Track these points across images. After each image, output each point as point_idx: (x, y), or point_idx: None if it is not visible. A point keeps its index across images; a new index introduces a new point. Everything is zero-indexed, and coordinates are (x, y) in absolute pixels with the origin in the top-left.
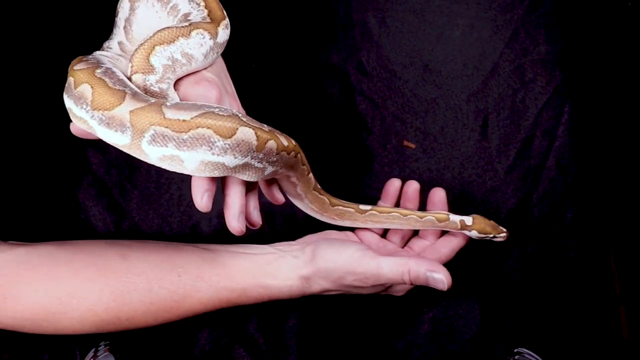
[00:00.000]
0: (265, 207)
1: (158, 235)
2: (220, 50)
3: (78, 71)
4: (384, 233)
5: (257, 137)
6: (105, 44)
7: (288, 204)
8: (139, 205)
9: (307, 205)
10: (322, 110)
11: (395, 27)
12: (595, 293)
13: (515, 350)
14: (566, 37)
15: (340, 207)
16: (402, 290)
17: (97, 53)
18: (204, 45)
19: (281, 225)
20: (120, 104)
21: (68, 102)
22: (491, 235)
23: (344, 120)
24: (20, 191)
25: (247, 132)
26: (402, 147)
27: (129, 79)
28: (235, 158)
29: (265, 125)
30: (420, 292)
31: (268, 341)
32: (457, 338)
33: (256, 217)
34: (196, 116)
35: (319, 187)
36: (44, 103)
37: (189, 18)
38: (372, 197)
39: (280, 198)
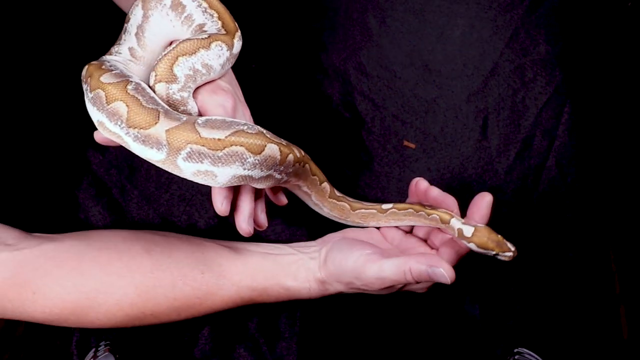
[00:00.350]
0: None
1: None
2: (234, 61)
3: (109, 85)
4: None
5: (280, 152)
6: (114, 49)
7: (289, 204)
8: (139, 205)
9: (328, 213)
10: (322, 110)
11: (395, 27)
12: (595, 293)
13: (515, 350)
14: (566, 37)
15: (363, 210)
16: (420, 287)
17: (109, 58)
18: (221, 56)
19: (281, 226)
20: (155, 123)
21: (97, 115)
22: (493, 253)
23: (344, 120)
24: (21, 191)
25: (274, 148)
26: (402, 147)
27: (152, 87)
28: (262, 171)
29: (282, 140)
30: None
31: (268, 341)
32: (457, 338)
33: (263, 220)
34: (229, 135)
35: (337, 194)
36: (44, 103)
37: (204, 29)
38: (372, 197)
39: (283, 200)
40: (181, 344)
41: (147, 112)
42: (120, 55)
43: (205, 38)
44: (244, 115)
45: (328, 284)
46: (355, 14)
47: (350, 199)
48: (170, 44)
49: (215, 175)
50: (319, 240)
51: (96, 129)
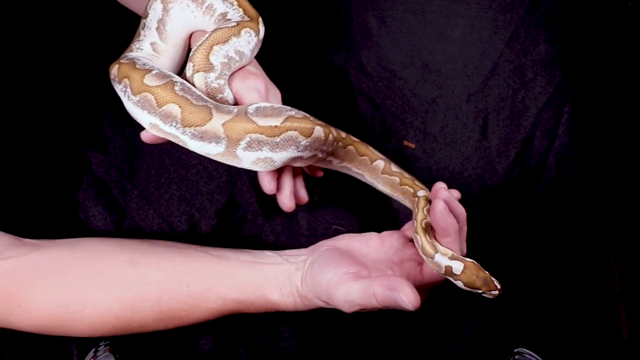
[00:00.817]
0: (264, 208)
1: (158, 235)
2: (260, 46)
3: (156, 88)
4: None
5: (324, 133)
6: (134, 45)
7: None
8: (139, 205)
9: (383, 190)
10: (322, 110)
11: (395, 27)
12: (595, 293)
13: (515, 350)
14: (566, 37)
15: (407, 187)
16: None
17: (136, 55)
18: (250, 42)
19: (280, 225)
20: (210, 119)
21: (149, 118)
22: (480, 291)
23: (344, 120)
24: (21, 191)
25: (319, 130)
26: (402, 147)
27: (190, 77)
28: (310, 152)
29: (321, 121)
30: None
31: (268, 342)
32: (457, 338)
33: (303, 194)
34: (283, 121)
35: (393, 169)
36: (44, 103)
37: (227, 17)
38: (372, 197)
39: (319, 173)
40: (182, 344)
41: (200, 109)
42: (142, 51)
43: (235, 26)
44: (276, 97)
45: (308, 299)
46: (355, 14)
47: (406, 174)
48: (191, 35)
49: (273, 160)
50: (310, 248)
51: (142, 129)
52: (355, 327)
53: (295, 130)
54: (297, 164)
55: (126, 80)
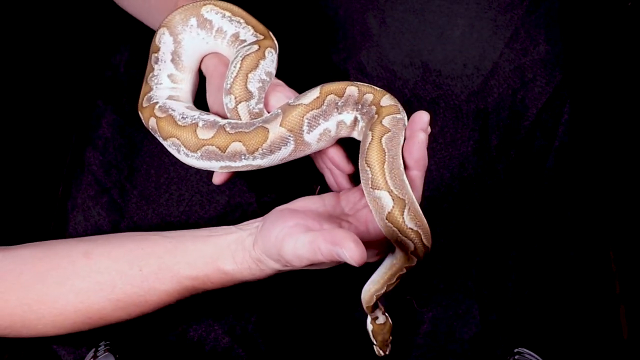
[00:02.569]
0: (264, 208)
1: None
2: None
3: (212, 139)
4: None
5: (359, 91)
6: (152, 81)
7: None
8: (138, 205)
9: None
10: None
11: (395, 27)
12: (595, 293)
13: (515, 350)
14: (566, 37)
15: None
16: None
17: (158, 93)
18: (274, 60)
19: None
20: (268, 132)
21: (219, 164)
22: (374, 343)
23: None
24: (20, 191)
25: (352, 89)
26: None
27: (234, 109)
28: (350, 113)
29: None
30: (420, 292)
31: (267, 341)
32: (457, 338)
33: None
34: (320, 89)
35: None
36: (44, 103)
37: (240, 37)
38: None
39: (350, 168)
40: (181, 344)
41: (255, 133)
42: (161, 86)
43: (258, 49)
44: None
45: (262, 262)
46: (355, 14)
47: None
48: (203, 58)
49: (329, 130)
50: (266, 215)
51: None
52: (354, 328)
53: (331, 93)
54: (343, 133)
55: (175, 140)
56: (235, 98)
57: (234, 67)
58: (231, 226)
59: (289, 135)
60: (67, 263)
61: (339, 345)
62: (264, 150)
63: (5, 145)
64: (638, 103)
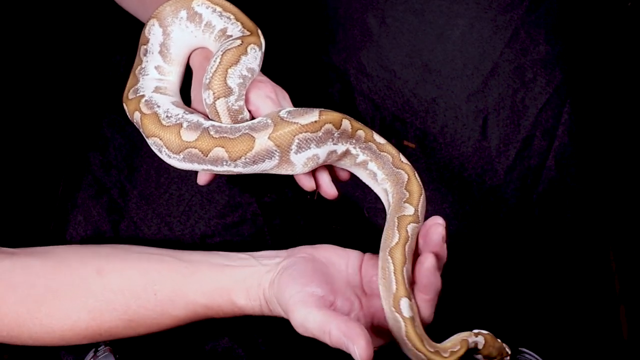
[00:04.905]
0: (264, 208)
1: (157, 235)
2: (263, 57)
3: (196, 142)
4: None
5: (351, 126)
6: (138, 72)
7: (288, 207)
8: (138, 205)
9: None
10: None
11: (395, 27)
12: (595, 293)
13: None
14: (566, 37)
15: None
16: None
17: (144, 84)
18: (257, 57)
19: (280, 226)
20: (253, 141)
21: (200, 166)
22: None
23: None
24: (20, 192)
25: (346, 123)
26: (402, 147)
27: (212, 104)
28: (343, 145)
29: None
30: None
31: (267, 342)
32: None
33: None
34: (319, 114)
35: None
36: (44, 103)
37: (227, 33)
38: (371, 198)
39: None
40: (181, 344)
41: (240, 140)
42: (147, 77)
43: (240, 44)
44: (285, 99)
45: (272, 305)
46: (355, 14)
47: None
48: (192, 51)
49: (318, 157)
50: (289, 251)
51: (193, 172)
52: None
53: (330, 122)
54: (330, 162)
55: (157, 140)
56: (213, 94)
57: (214, 61)
58: (248, 255)
59: (276, 150)
60: (80, 280)
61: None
62: (247, 160)
63: (5, 145)
64: (638, 103)
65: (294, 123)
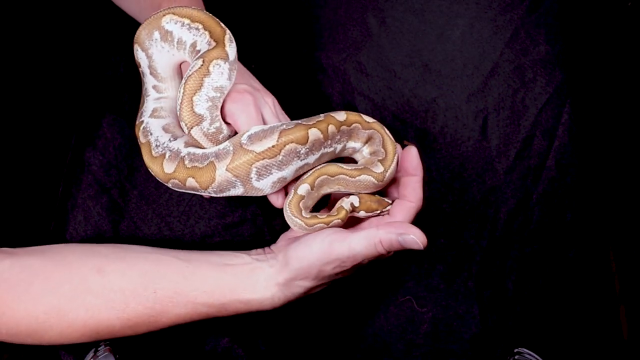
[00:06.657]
0: (264, 208)
1: (157, 235)
2: (236, 64)
3: (174, 173)
4: None
5: (321, 130)
6: (144, 92)
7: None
8: (138, 205)
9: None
10: (322, 110)
11: (395, 27)
12: (595, 293)
13: (515, 350)
14: (566, 37)
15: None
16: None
17: (148, 108)
18: (223, 72)
19: (280, 226)
20: (214, 171)
21: (188, 191)
22: (378, 211)
23: None
24: (20, 191)
25: (314, 132)
26: (402, 147)
27: (189, 134)
28: (315, 154)
29: (320, 116)
30: (420, 292)
31: (267, 342)
32: (457, 338)
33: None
34: (278, 138)
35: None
36: (44, 103)
37: (197, 48)
38: None
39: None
40: (181, 344)
41: (206, 170)
42: (149, 97)
43: (202, 65)
44: (267, 104)
45: (292, 285)
46: (355, 14)
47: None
48: (180, 65)
49: (285, 177)
50: (273, 246)
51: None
52: (355, 328)
53: (292, 142)
54: (305, 172)
55: (150, 170)
56: (186, 125)
57: (180, 91)
58: (243, 254)
59: (236, 180)
60: (79, 278)
61: (339, 345)
62: (215, 189)
63: (5, 145)
64: (638, 103)
65: (250, 152)
